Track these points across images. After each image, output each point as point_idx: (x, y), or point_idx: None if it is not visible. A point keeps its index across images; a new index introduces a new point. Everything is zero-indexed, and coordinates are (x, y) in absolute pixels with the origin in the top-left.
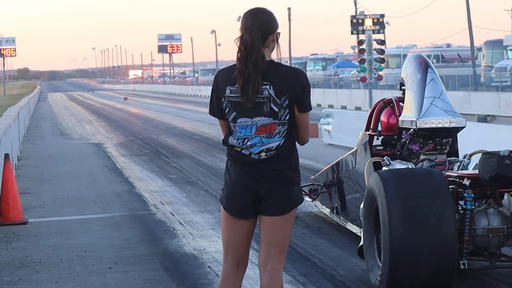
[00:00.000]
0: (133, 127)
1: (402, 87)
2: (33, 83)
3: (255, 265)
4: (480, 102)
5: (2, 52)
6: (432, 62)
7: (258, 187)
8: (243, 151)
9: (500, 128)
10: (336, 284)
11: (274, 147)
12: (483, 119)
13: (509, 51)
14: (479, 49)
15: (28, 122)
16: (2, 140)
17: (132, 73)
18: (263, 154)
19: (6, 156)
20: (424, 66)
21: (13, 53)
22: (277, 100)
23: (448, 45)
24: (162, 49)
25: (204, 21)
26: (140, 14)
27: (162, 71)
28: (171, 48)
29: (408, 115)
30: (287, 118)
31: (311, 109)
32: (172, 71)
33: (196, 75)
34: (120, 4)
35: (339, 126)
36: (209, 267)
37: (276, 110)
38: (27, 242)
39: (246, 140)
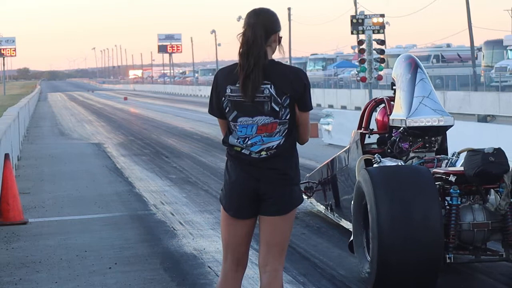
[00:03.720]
0: (133, 127)
1: (393, 87)
2: (33, 83)
3: (255, 265)
4: (480, 102)
5: (2, 52)
6: (432, 62)
7: (258, 187)
8: (243, 151)
9: (500, 128)
10: (336, 284)
11: (275, 146)
12: (483, 119)
13: (509, 51)
14: (479, 49)
15: (28, 122)
16: (2, 140)
17: (132, 73)
18: (263, 153)
19: (6, 156)
20: (413, 66)
21: (13, 53)
22: (278, 99)
23: (448, 45)
24: (162, 49)
25: (204, 21)
26: (140, 14)
27: (162, 71)
28: (171, 48)
29: (398, 114)
30: (287, 117)
31: (311, 108)
32: (172, 71)
33: (196, 75)
34: (120, 4)
35: (339, 126)
36: (209, 267)
37: (277, 109)
38: (27, 242)
39: (247, 139)
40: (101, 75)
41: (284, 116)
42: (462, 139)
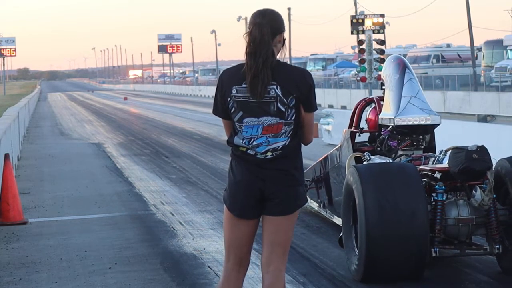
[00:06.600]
0: (133, 127)
1: (383, 87)
2: (33, 83)
3: (255, 265)
4: (480, 102)
5: (2, 52)
6: (432, 62)
7: (264, 187)
8: (248, 151)
9: (500, 128)
10: (336, 284)
11: (280, 146)
12: (483, 119)
13: (509, 51)
14: (479, 49)
15: (28, 122)
16: (2, 140)
17: (132, 73)
18: (269, 153)
19: (6, 156)
20: (402, 67)
21: (13, 53)
22: (284, 100)
23: (448, 45)
24: (162, 49)
25: (204, 21)
26: (140, 14)
27: (162, 71)
28: (171, 48)
29: (387, 113)
30: (293, 118)
31: (316, 108)
32: (172, 71)
33: (196, 75)
34: (120, 4)
35: (339, 126)
36: (209, 267)
37: (283, 110)
38: (27, 242)
39: (252, 139)
40: (101, 75)
41: (290, 116)
42: (461, 139)
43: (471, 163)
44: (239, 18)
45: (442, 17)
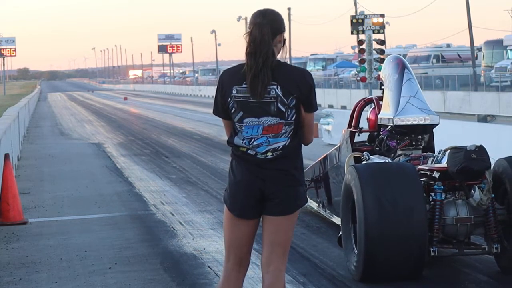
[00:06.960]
0: (133, 127)
1: (382, 87)
2: (33, 83)
3: (255, 265)
4: (480, 102)
5: (2, 52)
6: (432, 62)
7: (264, 187)
8: (248, 151)
9: (500, 128)
10: (336, 284)
11: (281, 147)
12: (483, 119)
13: (509, 51)
14: (479, 49)
15: (28, 122)
16: (2, 140)
17: (132, 73)
18: (269, 154)
19: (6, 156)
20: (401, 67)
21: (13, 53)
22: (285, 100)
23: (448, 45)
24: (162, 49)
25: (204, 21)
26: (140, 14)
27: (162, 71)
28: (171, 48)
29: (386, 112)
30: (293, 118)
31: (317, 109)
32: (172, 71)
33: (196, 75)
34: (120, 4)
35: (339, 126)
36: (209, 267)
37: (283, 110)
38: (27, 242)
39: (253, 140)
40: (101, 75)
41: (290, 116)
42: (461, 139)
43: (470, 162)
44: (239, 18)
45: (442, 17)
